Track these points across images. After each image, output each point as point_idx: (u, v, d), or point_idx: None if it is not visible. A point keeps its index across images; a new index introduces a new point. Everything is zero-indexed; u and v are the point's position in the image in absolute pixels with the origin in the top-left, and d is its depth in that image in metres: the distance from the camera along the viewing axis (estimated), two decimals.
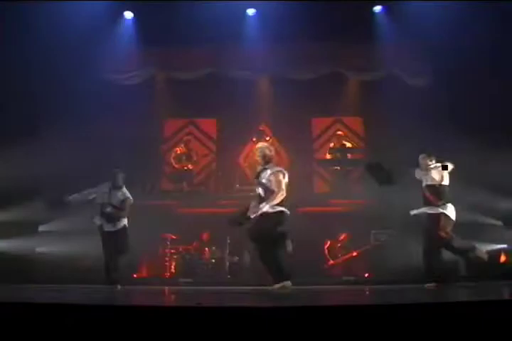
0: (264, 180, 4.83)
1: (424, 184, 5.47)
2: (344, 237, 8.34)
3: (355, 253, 8.17)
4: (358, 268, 8.01)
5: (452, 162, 5.45)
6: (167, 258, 8.37)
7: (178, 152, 9.87)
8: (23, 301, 2.76)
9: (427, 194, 5.40)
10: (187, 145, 9.85)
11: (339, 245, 8.31)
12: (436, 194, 5.35)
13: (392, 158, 7.96)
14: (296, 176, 8.65)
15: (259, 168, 5.05)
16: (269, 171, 4.87)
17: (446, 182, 5.40)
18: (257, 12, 8.64)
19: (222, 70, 8.93)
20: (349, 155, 9.72)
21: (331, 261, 8.19)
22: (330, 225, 8.51)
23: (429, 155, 5.49)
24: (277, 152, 9.87)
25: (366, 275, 7.92)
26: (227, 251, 7.95)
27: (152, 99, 9.20)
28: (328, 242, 8.34)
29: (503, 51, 7.58)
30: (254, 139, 9.85)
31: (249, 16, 8.67)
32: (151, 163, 9.27)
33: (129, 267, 7.80)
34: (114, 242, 5.96)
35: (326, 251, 8.28)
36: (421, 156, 5.53)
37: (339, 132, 9.95)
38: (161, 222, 8.05)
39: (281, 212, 4.78)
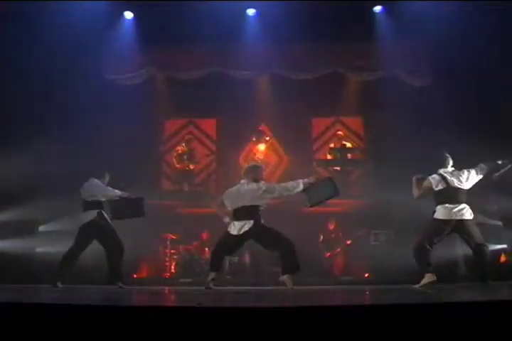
0: None
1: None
2: (334, 226, 8.39)
3: (348, 242, 8.21)
4: (358, 268, 8.02)
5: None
6: (167, 258, 8.38)
7: (180, 151, 9.83)
8: (23, 301, 2.76)
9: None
10: (188, 144, 9.82)
11: (333, 236, 8.36)
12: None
13: (392, 158, 7.98)
14: (296, 176, 8.70)
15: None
16: None
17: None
18: (257, 12, 8.63)
19: (222, 70, 8.91)
20: (349, 155, 9.73)
21: (328, 254, 8.22)
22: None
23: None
24: (277, 152, 9.94)
25: (366, 275, 7.93)
26: None
27: (152, 99, 9.19)
28: (321, 236, 8.38)
29: (503, 51, 7.58)
30: (254, 139, 9.86)
31: (249, 16, 8.66)
32: (151, 163, 9.27)
33: (129, 267, 7.83)
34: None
35: (321, 245, 8.32)
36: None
37: (339, 132, 9.96)
38: (161, 222, 8.05)
39: None
